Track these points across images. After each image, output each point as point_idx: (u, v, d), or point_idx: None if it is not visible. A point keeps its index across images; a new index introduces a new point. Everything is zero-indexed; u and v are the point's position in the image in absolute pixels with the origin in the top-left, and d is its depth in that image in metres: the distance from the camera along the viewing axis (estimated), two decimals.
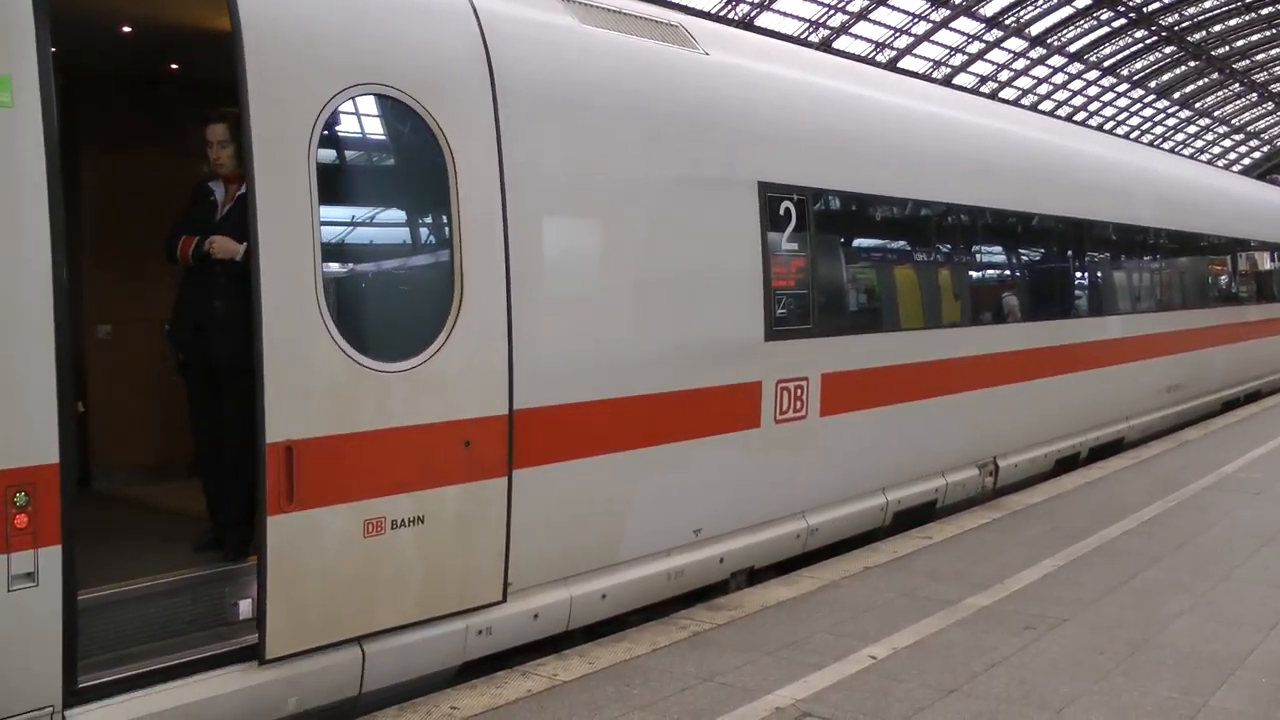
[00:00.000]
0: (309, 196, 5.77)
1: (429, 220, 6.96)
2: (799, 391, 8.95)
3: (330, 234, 6.11)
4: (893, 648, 7.09)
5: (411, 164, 6.83)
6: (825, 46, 40.59)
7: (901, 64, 45.16)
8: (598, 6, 7.89)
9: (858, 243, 10.65)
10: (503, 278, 6.59)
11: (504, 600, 6.74)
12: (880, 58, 43.76)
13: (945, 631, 7.43)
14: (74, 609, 5.13)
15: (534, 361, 6.76)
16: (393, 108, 6.35)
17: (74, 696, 5.19)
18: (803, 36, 39.86)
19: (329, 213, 6.07)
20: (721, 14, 36.48)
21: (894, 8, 42.57)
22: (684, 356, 7.92)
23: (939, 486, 11.19)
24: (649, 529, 7.80)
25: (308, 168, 5.77)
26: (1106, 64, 55.48)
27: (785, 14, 40.04)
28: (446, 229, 6.44)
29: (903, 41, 44.99)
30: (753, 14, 38.38)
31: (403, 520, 6.15)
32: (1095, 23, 50.02)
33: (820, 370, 9.17)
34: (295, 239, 5.72)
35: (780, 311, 8.72)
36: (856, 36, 43.39)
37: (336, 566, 5.92)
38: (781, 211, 8.78)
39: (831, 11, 41.41)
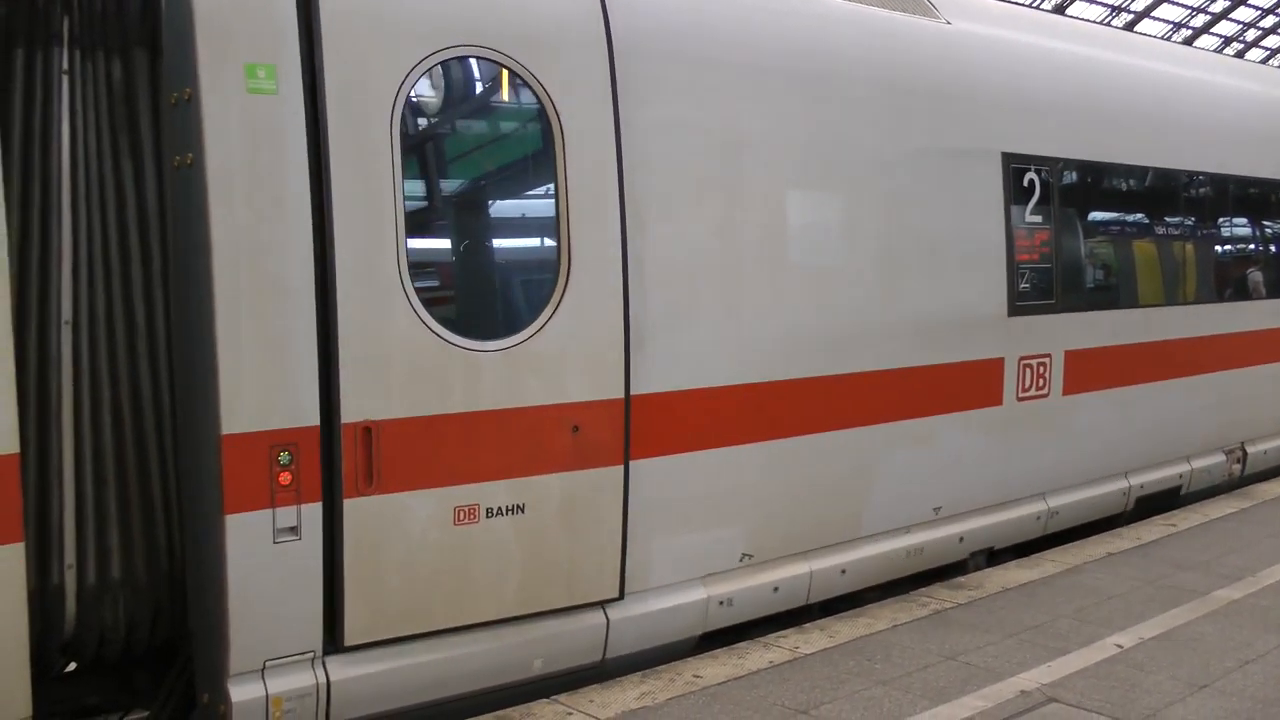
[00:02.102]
0: (390, 167, 5.51)
1: (529, 190, 6.61)
2: (1041, 369, 8.72)
3: (415, 206, 5.86)
4: (1139, 637, 6.88)
5: (510, 130, 6.57)
6: (1059, 10, 38.95)
7: (1139, 28, 43.10)
8: None
9: (1101, 215, 10.25)
10: (618, 256, 6.19)
11: (620, 598, 6.39)
12: (1117, 22, 41.79)
13: (1194, 624, 7.16)
14: (335, 562, 5.44)
15: (659, 342, 6.44)
16: (489, 71, 6.10)
17: (333, 645, 5.51)
18: (1035, 4, 38.35)
19: (413, 184, 5.90)
20: None
21: None
22: (923, 333, 7.82)
23: (1183, 472, 10.73)
24: (886, 506, 7.77)
25: (390, 136, 5.51)
26: None
27: None
28: (550, 200, 6.09)
29: (1140, 3, 42.78)
30: None
31: (499, 509, 5.88)
32: None
33: (1063, 347, 8.92)
34: (375, 211, 5.49)
35: (1023, 286, 8.51)
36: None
37: (422, 554, 5.72)
38: (1025, 183, 8.55)
39: None
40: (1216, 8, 45.94)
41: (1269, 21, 49.23)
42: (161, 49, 5.38)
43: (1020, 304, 8.49)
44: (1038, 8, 37.93)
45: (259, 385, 5.23)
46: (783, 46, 7.13)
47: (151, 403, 5.41)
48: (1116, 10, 43.00)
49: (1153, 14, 44.48)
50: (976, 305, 8.24)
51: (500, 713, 5.79)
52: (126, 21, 5.34)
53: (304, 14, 5.33)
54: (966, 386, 8.21)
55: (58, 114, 5.16)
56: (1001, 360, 8.42)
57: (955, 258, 8.07)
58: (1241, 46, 49.46)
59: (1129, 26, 41.59)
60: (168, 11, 5.30)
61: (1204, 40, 46.87)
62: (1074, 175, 9.38)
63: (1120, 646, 6.72)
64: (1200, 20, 46.61)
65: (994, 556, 8.82)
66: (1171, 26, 45.93)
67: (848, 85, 7.44)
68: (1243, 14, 47.69)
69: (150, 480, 5.41)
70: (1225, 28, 48.31)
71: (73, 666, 5.66)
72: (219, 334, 5.12)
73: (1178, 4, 44.97)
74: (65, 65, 5.18)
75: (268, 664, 5.33)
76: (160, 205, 5.43)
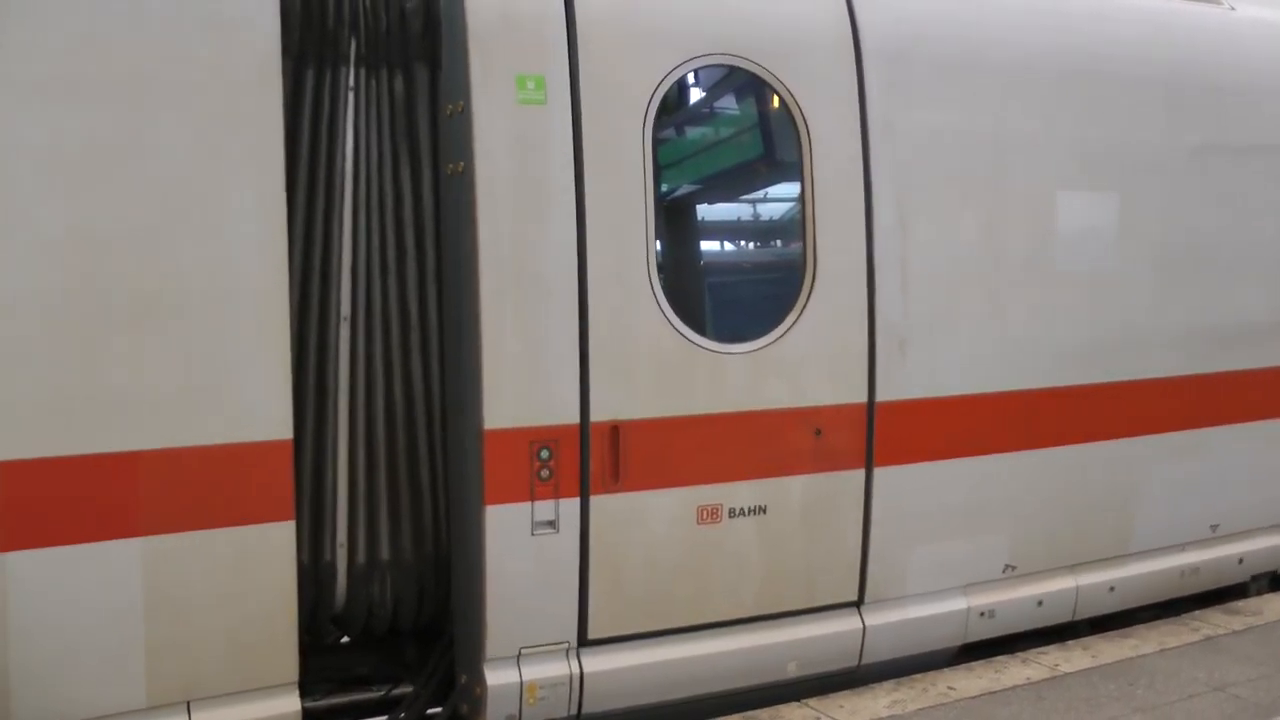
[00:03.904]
0: (643, 172, 5.64)
1: (775, 195, 6.67)
2: None
3: (664, 211, 5.96)
4: None
5: (756, 136, 6.57)
6: None
7: None
8: None
9: None
10: (863, 261, 6.15)
11: (860, 602, 6.36)
12: None
13: None
14: (587, 559, 5.59)
15: (917, 347, 6.34)
16: (738, 79, 6.15)
17: (586, 639, 5.66)
18: None
19: (665, 188, 5.99)
20: None
21: None
22: (1198, 339, 7.45)
23: None
24: (1158, 521, 7.41)
25: (642, 141, 5.64)
26: None
27: None
28: (796, 204, 6.15)
29: None
30: None
31: (742, 509, 5.94)
32: None
33: None
34: (627, 215, 5.62)
35: None
36: None
37: (665, 552, 5.81)
38: None
39: None
40: None
41: None
42: (440, 64, 5.65)
43: None
44: None
45: (521, 383, 5.44)
46: (1052, 43, 6.91)
47: (423, 395, 5.69)
48: None
49: None
50: (1257, 310, 7.78)
51: (749, 713, 5.83)
52: (409, 39, 5.63)
53: (570, 26, 5.52)
54: (1246, 397, 7.75)
55: (343, 127, 5.49)
56: None
57: (1234, 260, 7.62)
58: None
59: None
60: (447, 28, 5.57)
61: None
62: None
63: None
64: None
65: (1278, 581, 8.31)
66: None
67: (1123, 83, 7.15)
68: None
69: (419, 468, 5.68)
70: None
71: (345, 640, 6.02)
72: (484, 332, 5.35)
73: None
74: (351, 82, 5.51)
75: (523, 651, 5.53)
76: (435, 210, 5.70)
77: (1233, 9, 7.94)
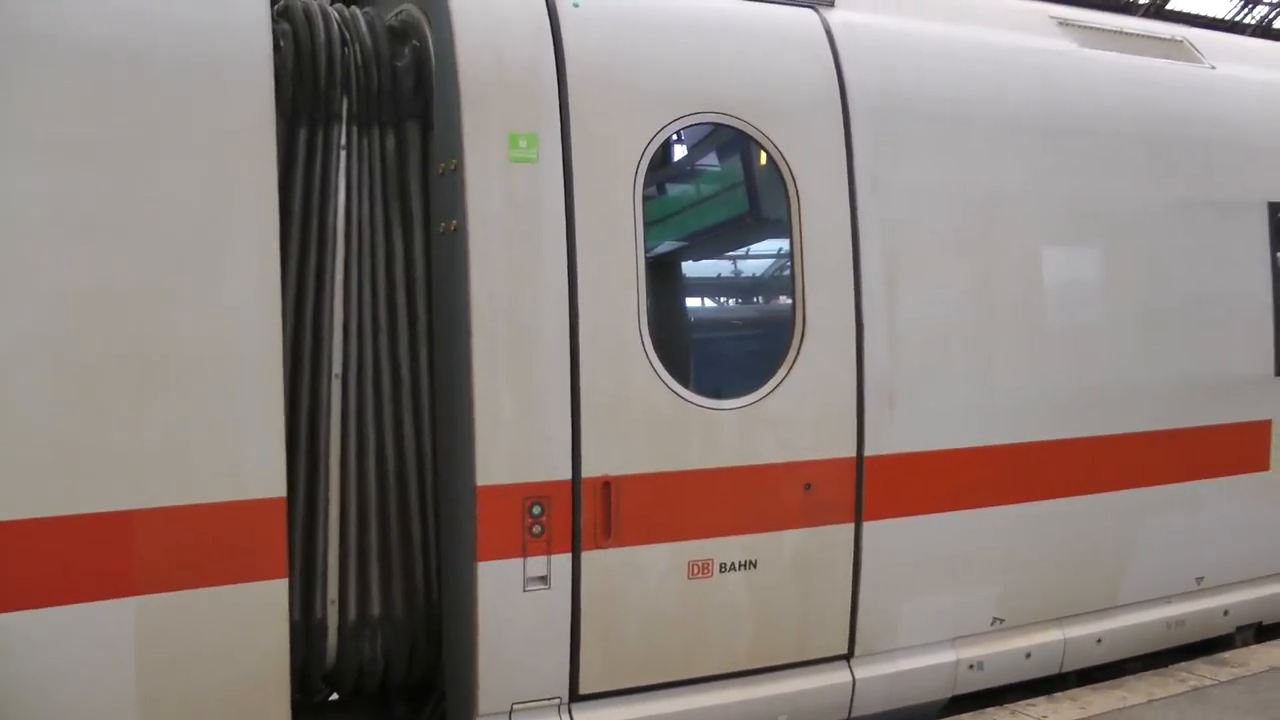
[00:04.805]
0: (633, 228, 5.69)
1: (764, 251, 6.73)
2: None
3: (655, 268, 5.97)
4: None
5: (745, 193, 6.63)
6: (1264, 30, 35.81)
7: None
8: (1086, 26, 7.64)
9: None
10: (852, 316, 6.21)
11: (850, 655, 6.35)
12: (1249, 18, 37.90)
13: None
14: (579, 613, 5.59)
15: (905, 401, 6.37)
16: (726, 135, 6.21)
17: (578, 694, 5.65)
18: (1234, 19, 35.38)
19: (654, 245, 6.04)
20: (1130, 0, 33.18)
21: None
22: (1182, 393, 7.50)
23: None
24: (1144, 574, 7.42)
25: (632, 199, 5.70)
26: None
27: None
28: (785, 260, 6.20)
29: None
30: None
31: (733, 564, 5.96)
32: None
33: None
34: (617, 272, 5.66)
35: None
36: None
37: (656, 606, 5.81)
38: None
39: None
40: None
41: None
42: (432, 122, 5.70)
43: None
44: (1136, 1, 35.06)
45: (513, 439, 5.45)
46: (1040, 101, 7.03)
47: (414, 452, 5.70)
48: (1250, 3, 39.00)
49: None
50: (1241, 364, 7.83)
51: None
52: (400, 98, 5.68)
53: (562, 84, 5.58)
54: (1229, 450, 7.79)
55: (335, 185, 5.53)
56: (1268, 423, 7.95)
57: (1218, 314, 7.70)
58: None
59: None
60: (438, 87, 5.62)
61: None
62: None
63: None
64: None
65: (1263, 633, 8.30)
66: None
67: (1108, 138, 7.26)
68: None
69: (410, 524, 5.68)
70: None
71: (335, 697, 5.98)
72: (476, 389, 5.37)
73: None
74: (343, 141, 5.55)
75: (515, 707, 5.51)
76: (427, 268, 5.74)
77: (1213, 67, 8.07)
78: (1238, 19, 32.89)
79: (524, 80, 5.52)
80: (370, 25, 5.76)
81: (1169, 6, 32.88)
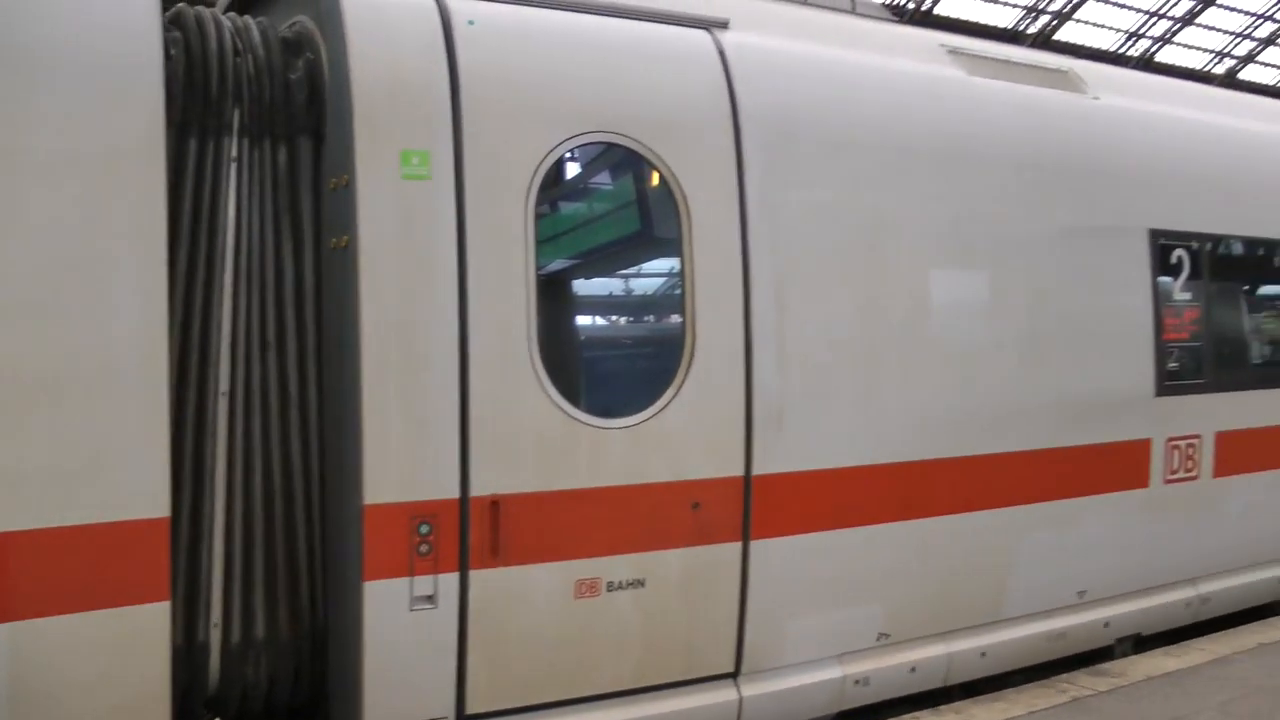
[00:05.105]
0: (525, 247, 5.68)
1: (656, 271, 6.74)
2: (1190, 450, 8.47)
3: (546, 286, 5.92)
4: None
5: (638, 211, 6.61)
6: (1146, 63, 37.11)
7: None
8: (966, 53, 7.80)
9: (1257, 291, 9.90)
10: (741, 337, 6.24)
11: (737, 673, 6.37)
12: (1219, 69, 39.40)
13: None
14: (465, 633, 5.56)
15: (793, 421, 6.41)
16: (618, 155, 6.21)
17: (464, 714, 5.62)
18: (1119, 50, 36.63)
19: (545, 263, 6.02)
20: (1019, 29, 34.23)
21: (1229, 7, 36.40)
22: (1066, 413, 7.68)
23: None
24: (1027, 589, 7.59)
25: (525, 217, 5.69)
26: None
27: (1092, 24, 35.70)
28: (676, 280, 6.22)
29: (1243, 48, 40.06)
30: (1052, 26, 35.34)
31: (620, 583, 5.94)
32: None
33: (1214, 428, 8.64)
34: (508, 291, 5.64)
35: (1171, 365, 8.29)
36: (1188, 46, 38.71)
37: (543, 626, 5.78)
38: (1173, 260, 8.37)
39: (1152, 20, 36.92)
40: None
41: None
42: (325, 136, 5.64)
43: (1168, 384, 8.27)
44: (1209, 74, 36.27)
45: (401, 458, 5.42)
46: (929, 127, 7.16)
47: (301, 470, 5.62)
48: (1221, 55, 40.58)
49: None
50: (1122, 385, 8.06)
51: None
52: (293, 111, 5.61)
53: (455, 102, 5.56)
54: (1111, 468, 8.01)
55: (225, 198, 5.43)
56: (1148, 441, 8.20)
57: (1101, 337, 7.93)
58: None
59: (1230, 75, 39.09)
60: (331, 101, 5.57)
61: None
62: (1224, 251, 9.13)
63: None
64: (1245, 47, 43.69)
65: (1142, 643, 8.54)
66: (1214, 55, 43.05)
67: (996, 165, 7.42)
68: None
69: (297, 544, 5.60)
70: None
71: None
72: (365, 407, 5.32)
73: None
74: (234, 153, 5.46)
75: None
76: (317, 285, 5.67)
77: (1097, 98, 8.31)
78: (1020, 28, 33.67)
79: (418, 97, 5.49)
80: (264, 36, 5.68)
81: (1055, 37, 33.89)
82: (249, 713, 5.65)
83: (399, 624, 5.40)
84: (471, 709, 5.63)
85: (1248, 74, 39.21)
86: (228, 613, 5.43)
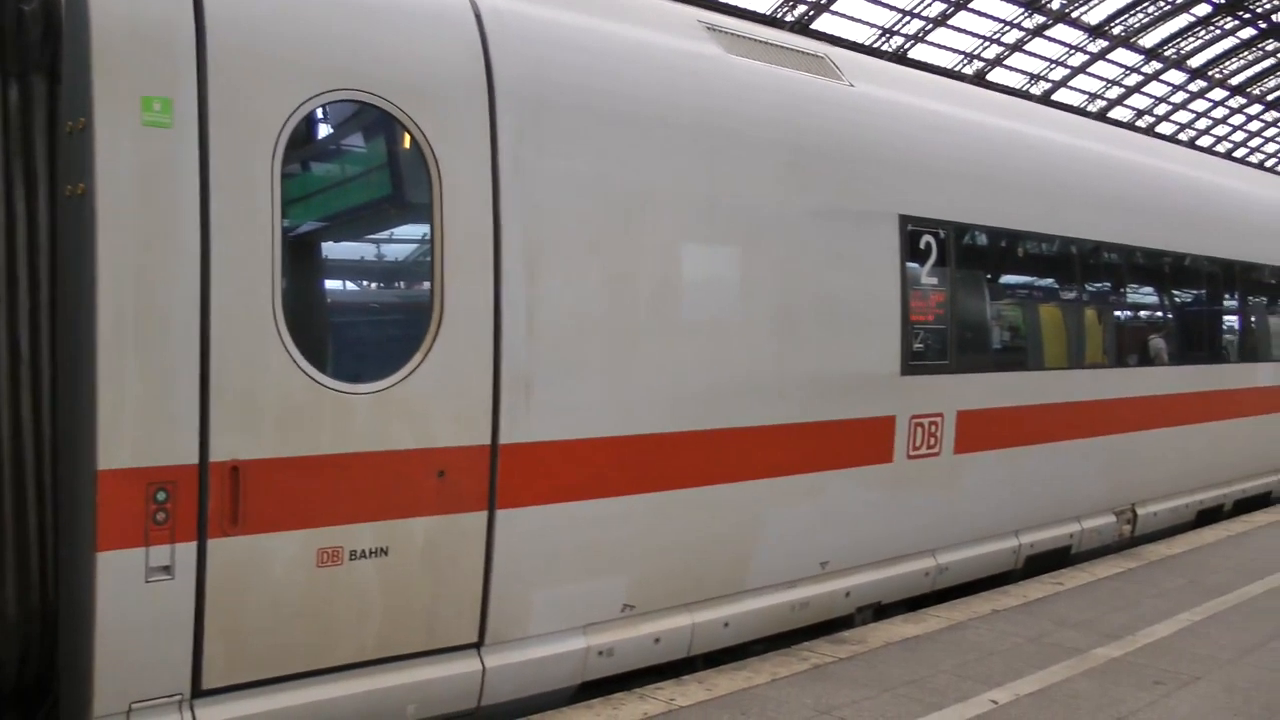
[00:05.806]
0: (270, 207, 5.51)
1: (405, 236, 6.60)
2: (933, 428, 8.85)
3: (292, 247, 5.81)
4: (1015, 694, 6.97)
5: (388, 176, 6.52)
6: (980, 78, 39.35)
7: (1058, 95, 43.89)
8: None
9: (999, 279, 10.48)
10: (490, 305, 6.21)
11: (480, 644, 6.36)
12: (968, 69, 41.79)
13: (1071, 681, 7.27)
14: (203, 604, 5.37)
15: (542, 391, 6.43)
16: (371, 115, 6.07)
17: (200, 689, 5.43)
18: (874, 44, 38.48)
19: (293, 224, 5.91)
20: (777, 16, 35.47)
21: (979, 12, 39.54)
22: (815, 389, 7.91)
23: (1074, 532, 10.94)
24: (772, 560, 7.79)
25: (271, 174, 5.53)
26: (1271, 97, 53.52)
27: (849, 17, 37.89)
28: (426, 246, 6.13)
29: (991, 51, 42.71)
30: (809, 15, 36.33)
31: (363, 551, 5.85)
32: (1261, 53, 48.38)
33: (956, 407, 9.06)
34: (252, 250, 5.47)
35: (917, 346, 8.65)
36: (939, 46, 40.97)
37: (284, 596, 5.64)
38: (922, 245, 8.72)
39: (905, 18, 38.84)
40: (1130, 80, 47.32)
41: (1180, 97, 50.86)
42: (61, 76, 5.32)
43: (914, 364, 8.62)
44: (960, 73, 38.36)
45: (138, 421, 5.17)
46: (685, 101, 7.22)
47: (32, 434, 5.32)
48: (1035, 79, 43.90)
49: (1069, 84, 45.56)
50: (870, 364, 8.36)
51: None
52: (26, 47, 5.28)
53: (200, 49, 5.32)
54: (856, 443, 8.29)
55: None
56: (893, 418, 8.53)
57: (850, 317, 8.20)
58: (1152, 120, 51.11)
59: (979, 76, 41.75)
60: (68, 39, 5.26)
61: (1117, 112, 48.29)
62: (972, 239, 9.57)
63: (995, 702, 6.79)
64: (1115, 93, 47.99)
65: (883, 612, 8.88)
66: (1087, 97, 47.20)
67: (751, 144, 7.55)
68: (1155, 89, 49.18)
69: (26, 514, 5.31)
70: (1139, 100, 49.92)
71: None
72: (100, 366, 5.06)
73: (1095, 75, 46.13)
74: None
75: (134, 706, 5.23)
76: (51, 235, 5.36)
77: (852, 85, 8.55)
78: (777, 14, 34.76)
79: (161, 40, 5.22)
80: None
81: (813, 26, 35.16)
82: None
83: (134, 597, 5.17)
84: (208, 684, 5.43)
85: (995, 76, 41.61)
86: None
